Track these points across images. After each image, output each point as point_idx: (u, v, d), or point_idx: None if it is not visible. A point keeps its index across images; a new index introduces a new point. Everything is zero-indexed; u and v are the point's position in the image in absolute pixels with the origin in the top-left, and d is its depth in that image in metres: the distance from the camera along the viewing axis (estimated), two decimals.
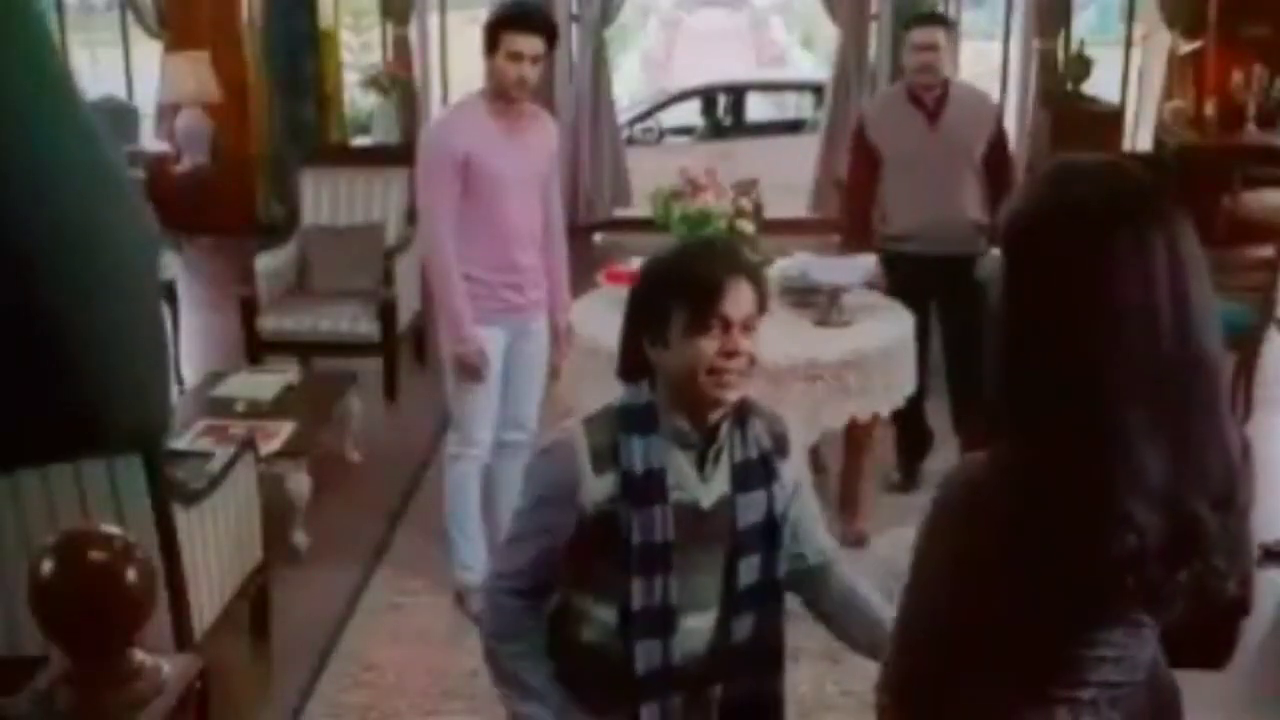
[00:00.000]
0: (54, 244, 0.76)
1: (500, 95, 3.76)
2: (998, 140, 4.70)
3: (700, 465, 2.13)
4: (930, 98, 4.61)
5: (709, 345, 2.06)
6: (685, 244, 2.33)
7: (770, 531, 2.18)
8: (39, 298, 0.76)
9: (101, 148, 0.83)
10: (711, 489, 2.14)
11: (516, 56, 3.67)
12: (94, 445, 0.87)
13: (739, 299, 2.08)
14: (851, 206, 5.01)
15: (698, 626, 2.16)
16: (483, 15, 3.94)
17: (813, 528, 2.33)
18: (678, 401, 2.11)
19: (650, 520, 2.08)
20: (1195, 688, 1.74)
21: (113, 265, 0.80)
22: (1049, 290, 1.46)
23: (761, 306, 2.13)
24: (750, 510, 2.16)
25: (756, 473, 2.17)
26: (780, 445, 2.23)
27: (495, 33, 3.70)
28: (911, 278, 4.55)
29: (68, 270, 0.76)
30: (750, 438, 2.18)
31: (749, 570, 2.17)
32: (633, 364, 2.17)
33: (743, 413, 2.18)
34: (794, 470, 2.27)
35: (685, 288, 2.08)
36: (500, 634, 2.20)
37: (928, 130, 4.61)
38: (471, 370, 3.85)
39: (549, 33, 3.76)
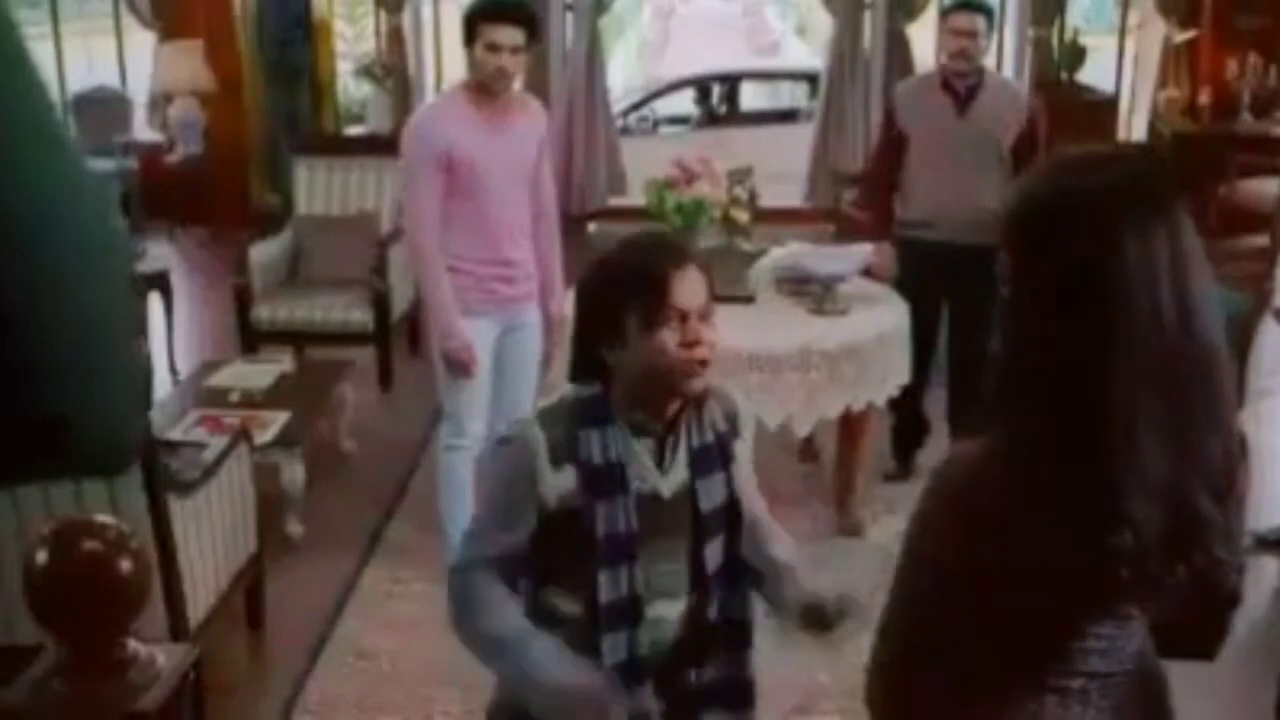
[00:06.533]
0: (13, 245, 0.73)
1: (481, 87, 3.74)
2: (1027, 133, 4.60)
3: (658, 455, 2.12)
4: (963, 85, 4.55)
5: (669, 338, 2.04)
6: (627, 241, 2.27)
7: (731, 512, 2.18)
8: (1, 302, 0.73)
9: (68, 148, 0.81)
10: (671, 478, 2.13)
11: (494, 48, 3.64)
12: (62, 464, 0.83)
13: (690, 289, 2.06)
14: (873, 192, 4.94)
15: (666, 615, 2.14)
16: None
17: (751, 493, 2.30)
18: (638, 398, 2.09)
19: (614, 512, 2.07)
20: (1185, 676, 1.74)
21: (76, 268, 0.77)
22: (1051, 284, 1.46)
23: (712, 294, 2.11)
24: (711, 494, 2.15)
25: (714, 456, 2.16)
26: (733, 425, 2.22)
27: (473, 24, 3.68)
28: (926, 265, 4.51)
29: (26, 272, 0.74)
30: (706, 422, 2.17)
31: (715, 554, 2.16)
32: (586, 367, 2.15)
33: (700, 397, 2.16)
34: (746, 448, 2.25)
35: (634, 285, 2.06)
36: (466, 606, 2.14)
37: (956, 117, 4.55)
38: (458, 365, 3.83)
39: (528, 23, 3.73)
